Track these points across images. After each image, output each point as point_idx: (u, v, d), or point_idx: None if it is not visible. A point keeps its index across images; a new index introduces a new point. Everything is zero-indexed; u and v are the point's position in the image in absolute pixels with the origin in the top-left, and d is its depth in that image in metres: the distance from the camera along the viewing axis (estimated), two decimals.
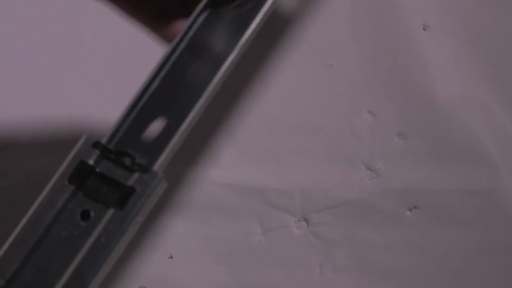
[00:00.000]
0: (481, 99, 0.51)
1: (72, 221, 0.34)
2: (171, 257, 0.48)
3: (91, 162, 0.34)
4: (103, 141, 0.34)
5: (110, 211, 0.34)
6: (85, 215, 0.34)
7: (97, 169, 0.34)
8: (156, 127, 0.34)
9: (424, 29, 0.52)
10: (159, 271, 0.48)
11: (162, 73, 0.35)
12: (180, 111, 0.35)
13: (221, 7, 0.37)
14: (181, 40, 0.35)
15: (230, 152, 0.50)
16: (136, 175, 0.33)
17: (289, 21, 0.54)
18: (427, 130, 0.52)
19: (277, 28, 0.53)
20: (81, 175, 0.34)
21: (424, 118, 0.52)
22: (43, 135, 0.50)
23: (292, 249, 0.48)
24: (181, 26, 0.37)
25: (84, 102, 0.51)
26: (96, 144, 0.34)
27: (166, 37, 0.37)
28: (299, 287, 0.47)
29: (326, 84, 0.53)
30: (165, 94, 0.35)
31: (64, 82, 0.51)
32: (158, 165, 0.33)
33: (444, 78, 0.53)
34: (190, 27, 0.36)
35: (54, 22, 0.53)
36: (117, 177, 0.34)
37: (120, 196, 0.34)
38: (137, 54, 0.51)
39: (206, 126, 0.52)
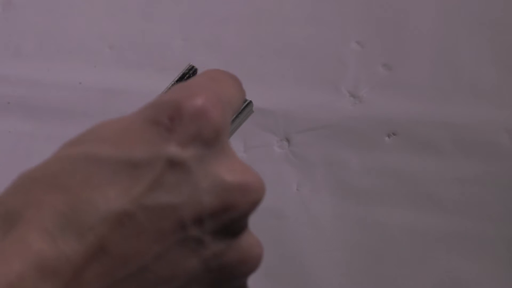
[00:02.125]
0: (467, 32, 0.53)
1: None
2: None
3: None
4: None
5: None
6: None
7: None
8: None
9: None
10: None
11: None
12: None
13: None
14: None
15: None
16: None
17: None
18: (411, 64, 0.53)
19: None
20: None
21: (410, 52, 0.54)
22: None
23: (272, 167, 0.50)
24: None
25: None
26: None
27: None
28: (276, 201, 0.49)
29: (318, 13, 0.55)
30: None
31: None
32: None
33: (430, 15, 0.55)
34: None
35: None
36: None
37: None
38: None
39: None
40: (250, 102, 0.46)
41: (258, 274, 0.45)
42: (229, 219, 0.28)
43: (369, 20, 0.56)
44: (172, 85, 0.47)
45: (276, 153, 0.51)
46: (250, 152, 0.51)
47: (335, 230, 0.47)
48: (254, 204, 0.29)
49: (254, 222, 0.47)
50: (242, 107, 0.46)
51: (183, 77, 0.47)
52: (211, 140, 0.28)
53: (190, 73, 0.47)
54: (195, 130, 0.28)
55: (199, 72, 0.48)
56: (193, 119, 0.28)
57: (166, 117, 0.27)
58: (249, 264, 0.30)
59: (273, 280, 0.46)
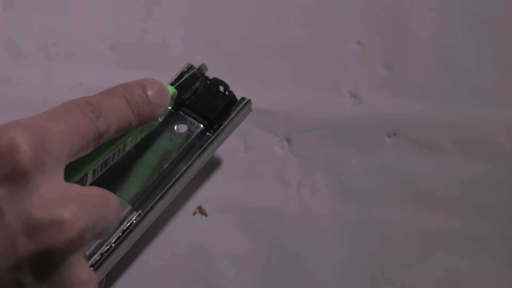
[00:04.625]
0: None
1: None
2: None
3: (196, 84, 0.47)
4: None
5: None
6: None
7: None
8: None
9: None
10: None
11: None
12: None
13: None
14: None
15: (220, 73, 0.52)
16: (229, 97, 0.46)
17: None
18: (412, 64, 0.54)
19: None
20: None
21: (410, 52, 0.54)
22: None
23: (272, 167, 0.50)
24: None
25: None
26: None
27: None
28: (276, 202, 0.49)
29: (317, 13, 0.55)
30: None
31: None
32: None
33: (430, 15, 0.55)
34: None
35: None
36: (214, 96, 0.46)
37: (226, 102, 0.46)
38: None
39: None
40: (249, 100, 0.47)
41: (258, 274, 0.46)
42: (49, 259, 0.27)
43: (369, 20, 0.56)
44: (172, 84, 0.47)
45: (276, 153, 0.51)
46: (250, 152, 0.51)
47: (335, 230, 0.48)
48: (73, 241, 0.28)
49: (255, 222, 0.47)
50: (241, 106, 0.46)
51: (182, 76, 0.48)
52: (21, 177, 0.27)
53: (188, 71, 0.48)
54: (4, 170, 0.27)
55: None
56: (2, 159, 0.27)
57: None
58: None
59: (273, 280, 0.46)
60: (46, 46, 0.55)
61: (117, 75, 0.54)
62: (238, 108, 0.46)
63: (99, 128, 0.33)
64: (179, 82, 0.46)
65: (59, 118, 0.32)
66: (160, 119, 0.42)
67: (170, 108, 0.43)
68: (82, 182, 0.38)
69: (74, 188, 0.31)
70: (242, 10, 0.57)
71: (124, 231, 0.42)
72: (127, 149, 0.41)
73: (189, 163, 0.44)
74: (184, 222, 0.48)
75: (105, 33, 0.56)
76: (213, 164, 0.50)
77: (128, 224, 0.42)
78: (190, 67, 0.48)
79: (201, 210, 0.48)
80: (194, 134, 0.46)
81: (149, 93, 0.38)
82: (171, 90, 0.43)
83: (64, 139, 0.31)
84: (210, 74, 0.48)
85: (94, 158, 0.37)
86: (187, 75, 0.46)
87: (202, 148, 0.45)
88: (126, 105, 0.36)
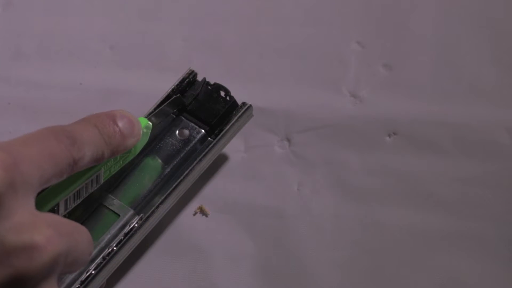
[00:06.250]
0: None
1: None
2: None
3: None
4: None
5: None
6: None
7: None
8: None
9: None
10: None
11: None
12: None
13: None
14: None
15: (219, 72, 0.53)
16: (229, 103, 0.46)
17: None
18: (412, 64, 0.54)
19: None
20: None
21: (410, 52, 0.54)
22: None
23: (272, 167, 0.50)
24: None
25: None
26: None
27: None
28: (276, 201, 0.49)
29: (317, 13, 0.55)
30: None
31: None
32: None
33: (430, 15, 0.56)
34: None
35: None
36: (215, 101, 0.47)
37: (227, 107, 0.46)
38: None
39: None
40: (250, 106, 0.47)
41: (258, 274, 0.46)
42: (20, 285, 0.27)
43: (369, 20, 0.56)
44: (173, 89, 0.47)
45: (277, 153, 0.51)
46: (250, 152, 0.51)
47: (336, 230, 0.48)
48: (45, 267, 0.27)
49: (255, 222, 0.47)
50: (242, 111, 0.47)
51: (183, 81, 0.48)
52: None
53: (190, 77, 0.48)
54: None
55: (199, 77, 0.48)
56: None
57: None
58: None
59: (273, 280, 0.46)
60: (46, 46, 0.56)
61: (117, 75, 0.54)
62: (239, 113, 0.47)
63: (73, 155, 0.33)
64: (156, 111, 0.45)
65: (32, 144, 0.31)
66: (135, 151, 0.41)
67: (147, 139, 0.42)
68: (54, 213, 0.37)
69: (46, 215, 0.31)
70: (242, 10, 0.57)
71: (126, 234, 0.42)
72: (101, 181, 0.40)
73: (190, 167, 0.45)
74: (184, 222, 0.48)
75: (105, 33, 0.56)
76: (214, 165, 0.49)
77: (130, 228, 0.42)
78: (191, 73, 0.48)
79: (201, 211, 0.48)
80: (196, 139, 0.46)
81: (119, 123, 0.38)
82: (144, 122, 0.42)
83: (36, 164, 0.30)
84: (210, 74, 0.48)
85: (66, 188, 0.37)
86: (166, 102, 0.46)
87: (203, 153, 0.45)
88: (98, 134, 0.36)
